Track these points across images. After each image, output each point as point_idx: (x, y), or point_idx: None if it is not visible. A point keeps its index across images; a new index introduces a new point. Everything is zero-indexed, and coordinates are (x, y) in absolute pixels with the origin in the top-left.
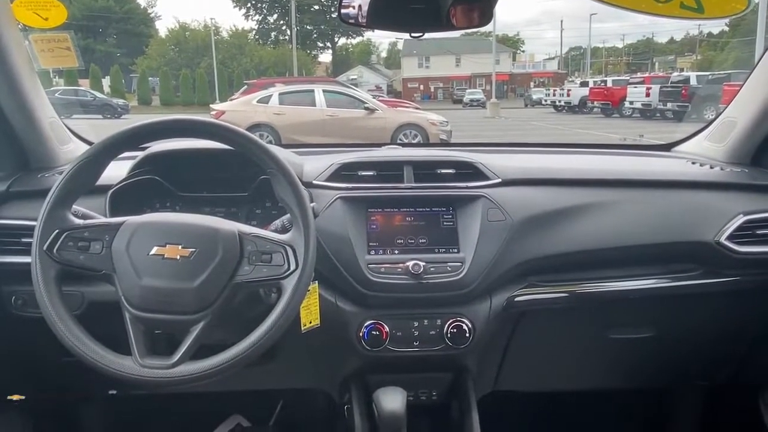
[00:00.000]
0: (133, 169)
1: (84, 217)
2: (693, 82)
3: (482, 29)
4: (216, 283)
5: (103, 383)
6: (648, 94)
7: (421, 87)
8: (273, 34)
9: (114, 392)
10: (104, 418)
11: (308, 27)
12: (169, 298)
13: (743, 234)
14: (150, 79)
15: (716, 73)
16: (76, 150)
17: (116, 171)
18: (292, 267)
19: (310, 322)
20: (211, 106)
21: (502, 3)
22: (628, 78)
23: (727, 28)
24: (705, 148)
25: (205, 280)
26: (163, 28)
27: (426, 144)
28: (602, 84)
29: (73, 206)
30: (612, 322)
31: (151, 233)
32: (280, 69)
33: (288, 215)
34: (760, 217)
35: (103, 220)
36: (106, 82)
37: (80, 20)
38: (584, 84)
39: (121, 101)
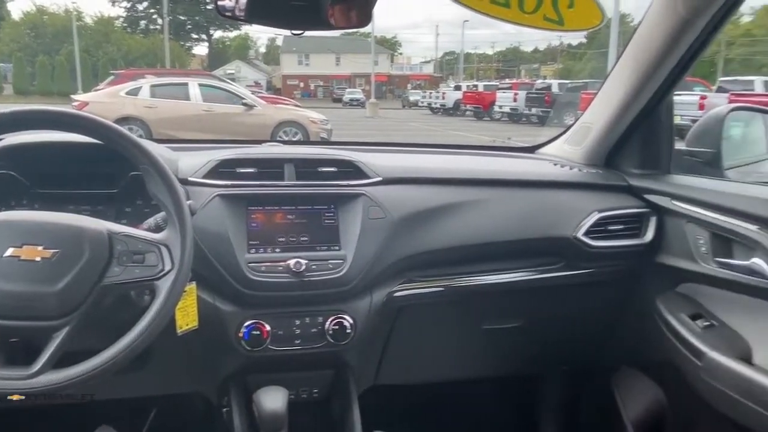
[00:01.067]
0: None
1: None
2: (555, 89)
3: (362, 30)
4: (82, 285)
5: None
6: (515, 100)
7: (301, 84)
8: (143, 22)
9: None
10: None
11: (182, 17)
12: (28, 303)
13: (597, 230)
14: (1, 65)
15: (575, 81)
16: None
17: None
18: (167, 267)
19: (187, 324)
20: (72, 96)
21: (380, 5)
22: (497, 83)
23: (585, 41)
24: (565, 151)
25: (70, 283)
26: (16, 10)
27: (307, 142)
28: (474, 88)
29: None
30: (484, 314)
31: (5, 233)
32: (151, 60)
33: (162, 213)
34: (611, 214)
35: None
36: None
37: None
38: (458, 88)
39: None
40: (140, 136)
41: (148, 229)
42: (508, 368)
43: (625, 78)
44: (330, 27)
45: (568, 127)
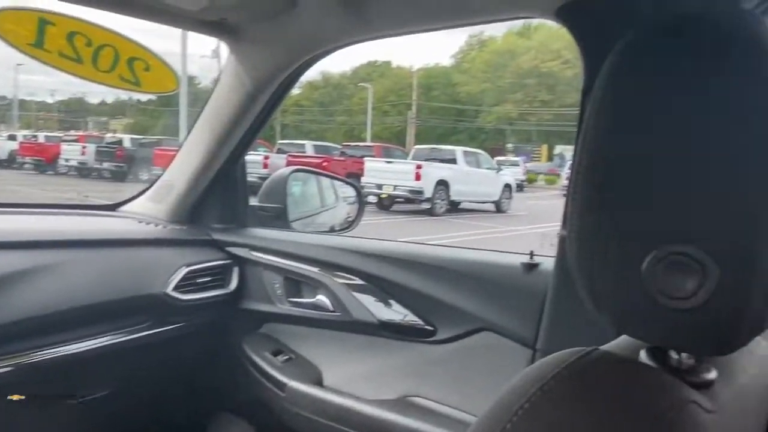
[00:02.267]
0: None
1: None
2: (127, 144)
3: None
4: None
5: None
6: (84, 153)
7: None
8: None
9: None
10: None
11: None
12: None
13: (186, 283)
14: None
15: (148, 137)
16: None
17: None
18: None
19: None
20: None
21: None
22: (62, 135)
23: (154, 98)
24: (149, 208)
25: None
26: None
27: None
28: (33, 139)
29: None
30: (70, 386)
31: None
32: None
33: None
34: (198, 267)
35: None
36: None
37: None
38: (13, 137)
39: None
40: None
41: None
42: None
43: (203, 140)
44: None
45: (151, 184)
